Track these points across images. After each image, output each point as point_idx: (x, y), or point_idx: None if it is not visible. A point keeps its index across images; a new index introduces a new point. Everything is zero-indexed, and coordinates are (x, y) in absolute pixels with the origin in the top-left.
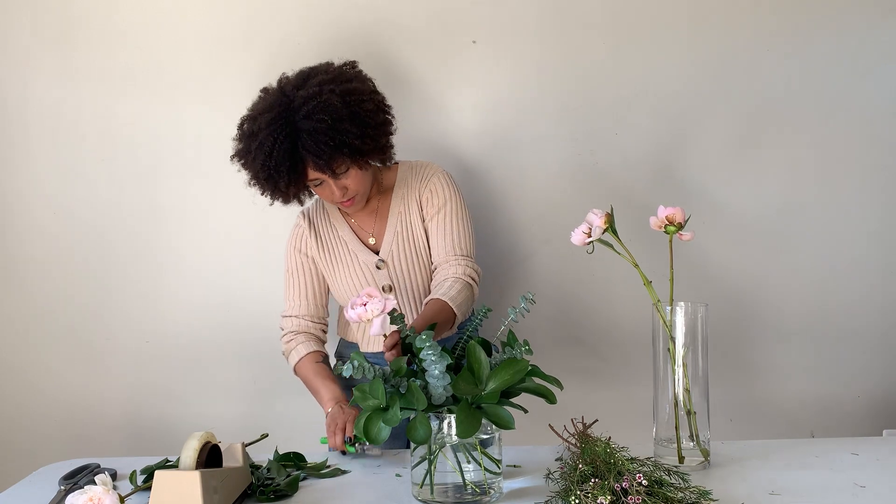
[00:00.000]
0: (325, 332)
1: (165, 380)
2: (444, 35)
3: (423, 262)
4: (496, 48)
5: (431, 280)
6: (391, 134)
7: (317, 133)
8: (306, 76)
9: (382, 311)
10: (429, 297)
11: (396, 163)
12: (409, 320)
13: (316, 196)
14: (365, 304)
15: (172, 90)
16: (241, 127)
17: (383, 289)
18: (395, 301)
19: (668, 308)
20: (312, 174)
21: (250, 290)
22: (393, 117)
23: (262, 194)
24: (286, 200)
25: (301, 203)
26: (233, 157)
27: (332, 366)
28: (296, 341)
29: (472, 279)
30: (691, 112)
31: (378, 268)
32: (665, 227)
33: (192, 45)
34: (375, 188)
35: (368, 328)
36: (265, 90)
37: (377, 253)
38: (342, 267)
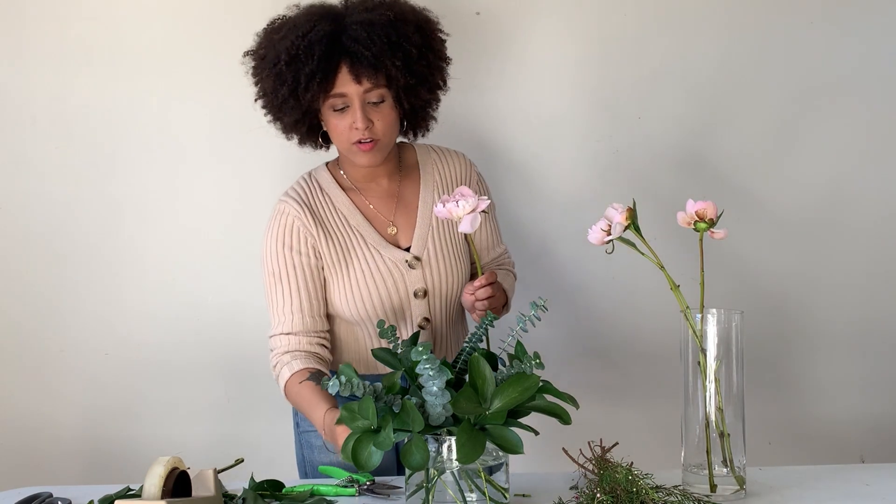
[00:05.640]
0: (325, 346)
1: (127, 398)
2: (444, 5)
3: (461, 265)
4: (502, 21)
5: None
6: (441, 88)
7: (372, 25)
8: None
9: (474, 210)
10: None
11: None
12: (443, 331)
13: (311, 178)
14: (457, 202)
15: (135, 67)
16: (268, 25)
17: (415, 294)
18: (489, 202)
19: (699, 316)
20: (342, 85)
21: (223, 296)
22: (447, 75)
23: (269, 96)
24: (290, 116)
25: (303, 141)
26: (247, 52)
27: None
28: (282, 363)
29: (514, 270)
30: (725, 92)
31: (411, 266)
32: (695, 224)
33: (157, 16)
34: (394, 165)
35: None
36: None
37: (405, 249)
38: (358, 264)
